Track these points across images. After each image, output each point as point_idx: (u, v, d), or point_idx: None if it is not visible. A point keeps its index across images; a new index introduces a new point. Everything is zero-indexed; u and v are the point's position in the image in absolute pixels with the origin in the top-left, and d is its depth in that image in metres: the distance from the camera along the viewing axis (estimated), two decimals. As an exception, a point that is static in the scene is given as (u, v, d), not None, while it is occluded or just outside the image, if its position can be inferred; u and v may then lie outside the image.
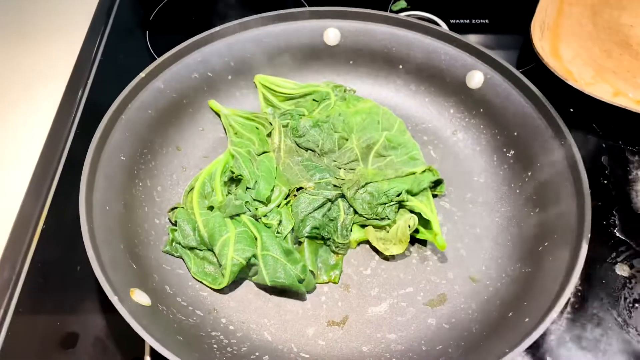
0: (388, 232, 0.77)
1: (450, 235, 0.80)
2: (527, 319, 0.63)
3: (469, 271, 0.76)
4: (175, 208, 0.79)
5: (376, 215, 0.78)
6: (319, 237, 0.78)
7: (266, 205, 0.78)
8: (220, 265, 0.73)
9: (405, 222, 0.76)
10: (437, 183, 0.83)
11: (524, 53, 1.10)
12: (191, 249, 0.76)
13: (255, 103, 0.95)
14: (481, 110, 0.89)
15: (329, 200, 0.78)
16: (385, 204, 0.78)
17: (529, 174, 0.81)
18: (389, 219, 0.77)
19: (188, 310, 0.71)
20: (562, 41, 1.04)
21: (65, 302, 0.76)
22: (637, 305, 0.75)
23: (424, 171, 0.82)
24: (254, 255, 0.73)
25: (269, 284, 0.71)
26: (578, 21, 1.08)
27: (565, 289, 0.62)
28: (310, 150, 0.86)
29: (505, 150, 0.85)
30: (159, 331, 0.61)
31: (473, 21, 1.15)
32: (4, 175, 0.90)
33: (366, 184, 0.79)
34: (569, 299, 0.75)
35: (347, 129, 0.87)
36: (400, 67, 0.95)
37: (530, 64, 1.04)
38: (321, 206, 0.78)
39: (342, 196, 0.80)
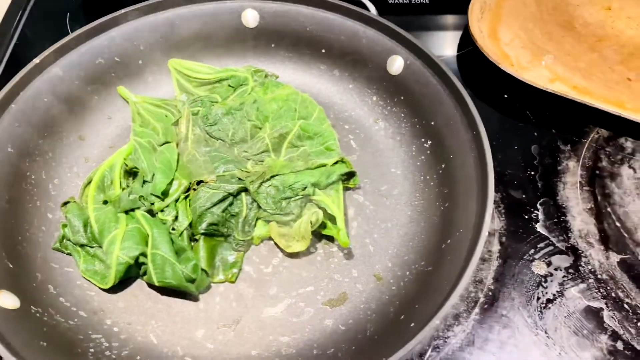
0: (291, 227, 0.73)
1: (360, 229, 0.76)
2: (412, 324, 0.59)
3: (374, 268, 0.73)
4: (68, 202, 0.75)
5: (280, 210, 0.73)
6: (217, 234, 0.74)
7: (162, 200, 0.74)
8: (107, 264, 0.69)
9: (308, 217, 0.72)
10: (350, 175, 0.79)
11: (465, 35, 1.04)
12: (82, 246, 0.72)
13: (169, 89, 0.90)
14: (402, 97, 0.84)
15: (231, 194, 0.74)
16: (290, 198, 0.74)
17: (443, 166, 0.76)
18: (293, 214, 0.73)
19: (70, 312, 0.67)
20: (503, 23, 0.99)
21: None
22: (549, 305, 0.71)
23: (335, 162, 0.77)
24: (143, 254, 0.69)
25: (156, 284, 0.68)
26: (522, 1, 1.03)
27: (452, 293, 0.58)
28: (221, 140, 0.82)
29: (423, 140, 0.81)
30: (18, 337, 0.57)
31: (413, 1, 1.10)
32: None
33: (272, 176, 0.75)
34: (479, 299, 0.72)
35: (261, 117, 0.83)
36: (323, 51, 0.90)
37: (470, 46, 0.99)
38: (222, 200, 0.74)
39: (246, 190, 0.75)
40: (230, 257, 0.74)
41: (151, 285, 0.71)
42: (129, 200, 0.72)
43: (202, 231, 0.72)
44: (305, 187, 0.74)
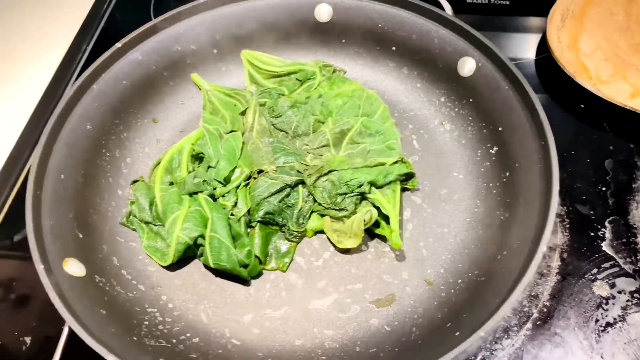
0: (344, 224, 0.73)
1: (414, 232, 0.75)
2: (457, 332, 0.58)
3: (426, 273, 0.72)
4: (137, 181, 0.79)
5: (335, 205, 0.74)
6: (273, 223, 0.75)
7: (224, 186, 0.77)
8: (168, 242, 0.73)
9: (361, 215, 0.72)
10: (409, 176, 0.78)
11: (544, 39, 1.00)
12: (146, 223, 0.76)
13: (240, 79, 0.92)
14: (470, 100, 0.82)
15: (288, 185, 0.76)
16: (345, 194, 0.74)
17: (507, 174, 0.74)
18: (347, 210, 0.73)
19: (131, 284, 0.71)
20: (585, 32, 0.94)
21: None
22: (608, 329, 0.67)
23: (395, 162, 0.77)
24: (202, 236, 0.72)
25: (212, 265, 0.70)
26: (609, 9, 0.97)
27: (501, 306, 0.56)
28: (284, 132, 0.83)
29: (489, 145, 0.78)
30: (81, 303, 0.61)
31: (492, 1, 1.06)
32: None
33: (330, 171, 0.75)
34: (532, 314, 0.69)
35: (325, 112, 0.84)
36: (394, 48, 0.89)
37: (547, 53, 0.94)
38: (279, 191, 0.75)
39: (303, 182, 0.76)
40: (283, 246, 0.75)
41: (206, 267, 0.73)
42: (194, 183, 0.75)
43: (259, 219, 0.74)
44: (361, 185, 0.73)
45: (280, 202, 0.75)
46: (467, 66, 0.81)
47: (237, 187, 0.77)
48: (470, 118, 0.82)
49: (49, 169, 0.71)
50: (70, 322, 0.58)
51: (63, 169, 0.73)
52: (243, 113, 0.85)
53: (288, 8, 0.90)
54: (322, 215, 0.76)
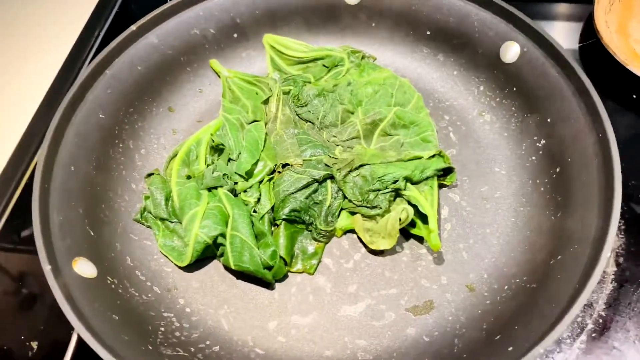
0: (377, 223, 0.67)
1: (453, 233, 0.69)
2: (510, 348, 0.52)
3: (467, 278, 0.65)
4: (152, 174, 0.73)
5: (366, 202, 0.68)
6: (299, 221, 0.69)
7: (246, 180, 0.71)
8: (185, 241, 0.67)
9: (396, 214, 0.65)
10: (448, 171, 0.71)
11: (588, 25, 0.93)
12: (162, 220, 0.70)
13: (262, 66, 0.86)
14: (514, 89, 0.75)
15: (316, 180, 0.69)
16: (378, 190, 0.68)
17: (558, 170, 0.67)
18: (380, 208, 0.67)
19: (145, 286, 0.66)
20: (635, 16, 0.86)
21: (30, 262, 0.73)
22: (673, 343, 0.61)
23: (432, 156, 0.70)
24: (222, 235, 0.66)
25: (233, 267, 0.64)
26: None
27: (562, 319, 0.50)
28: (310, 122, 0.77)
29: (536, 138, 0.72)
30: (92, 307, 0.56)
31: None
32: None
33: (361, 165, 0.69)
34: (586, 325, 0.62)
35: (354, 101, 0.77)
36: (428, 32, 0.82)
37: (594, 39, 0.87)
38: (306, 187, 0.69)
39: (332, 177, 0.70)
40: (310, 247, 0.69)
41: (227, 268, 0.68)
42: (213, 177, 0.70)
43: (284, 217, 0.68)
44: (396, 181, 0.67)
45: (307, 198, 0.69)
46: (511, 51, 0.74)
47: (260, 182, 0.71)
48: (513, 108, 0.75)
49: (58, 160, 0.66)
50: (78, 329, 0.52)
51: (73, 161, 0.67)
52: (266, 102, 0.79)
53: (314, -11, 0.84)
54: (353, 214, 0.70)
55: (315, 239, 0.69)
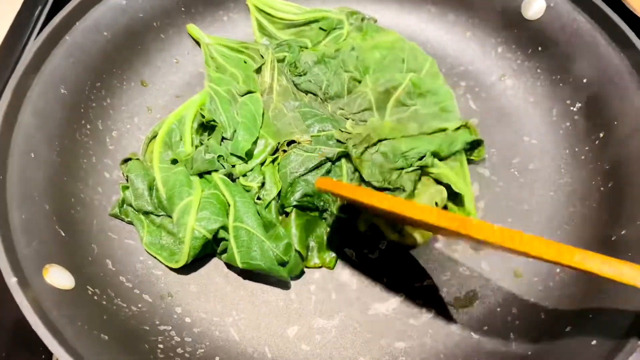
0: None
1: (488, 212, 0.61)
2: (594, 342, 0.44)
3: (512, 262, 0.57)
4: (129, 159, 0.61)
5: (388, 183, 0.58)
6: (312, 207, 0.59)
7: (246, 162, 0.60)
8: (179, 238, 0.55)
9: (430, 197, 0.56)
10: (475, 145, 0.63)
11: None
12: (146, 213, 0.58)
13: (247, 31, 0.75)
14: (539, 48, 0.67)
15: (329, 159, 0.59)
16: (402, 169, 0.58)
17: (601, 135, 0.60)
18: (404, 190, 0.58)
19: (133, 295, 0.54)
20: None
21: None
22: None
23: (457, 128, 0.62)
24: (224, 227, 0.55)
25: (240, 266, 0.54)
26: None
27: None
28: (312, 93, 0.67)
29: (569, 102, 0.64)
30: (73, 327, 0.44)
31: None
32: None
33: (379, 141, 0.59)
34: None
35: (361, 67, 0.68)
36: (436, -11, 0.73)
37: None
38: (318, 167, 0.59)
39: (347, 155, 0.60)
40: (326, 237, 0.59)
41: (230, 267, 0.57)
42: (205, 160, 0.58)
43: (295, 203, 0.57)
44: (422, 157, 0.58)
45: None
46: (535, 6, 0.67)
47: (262, 164, 0.61)
48: (539, 70, 0.68)
49: (13, 146, 0.53)
50: (59, 355, 0.40)
51: (32, 146, 0.55)
52: (258, 71, 0.68)
53: (305, -58, 0.73)
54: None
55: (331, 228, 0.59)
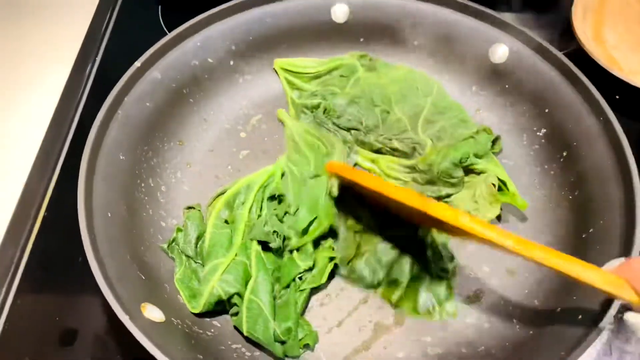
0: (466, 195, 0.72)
1: (483, 220, 0.74)
2: (580, 316, 0.57)
3: (506, 263, 0.70)
4: (192, 208, 0.72)
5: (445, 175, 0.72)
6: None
7: (301, 237, 0.67)
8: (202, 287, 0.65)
9: (485, 180, 0.72)
10: (494, 141, 0.78)
11: (565, 34, 0.96)
12: (187, 256, 0.68)
13: (260, 89, 0.87)
14: (506, 86, 0.82)
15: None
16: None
17: (564, 154, 0.74)
18: (456, 178, 0.72)
19: (205, 322, 0.65)
20: (607, 24, 0.95)
21: (65, 296, 0.70)
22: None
23: (478, 132, 0.76)
24: (238, 294, 0.63)
25: (245, 333, 0.62)
26: (626, 1, 0.99)
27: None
28: (354, 129, 0.79)
29: (535, 129, 0.79)
30: (177, 350, 0.55)
31: None
32: (7, 159, 0.83)
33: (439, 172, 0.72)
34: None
35: (385, 100, 0.80)
36: (415, 43, 0.87)
37: (572, 47, 0.92)
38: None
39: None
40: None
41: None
42: (264, 231, 0.66)
43: None
44: (468, 157, 0.72)
45: None
46: (499, 52, 0.81)
47: (315, 245, 0.68)
48: (508, 104, 0.82)
49: (94, 208, 0.63)
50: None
51: (108, 207, 0.65)
52: (327, 156, 0.76)
53: (304, 11, 0.86)
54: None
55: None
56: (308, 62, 0.85)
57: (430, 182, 0.73)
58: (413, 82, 0.81)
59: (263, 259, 0.66)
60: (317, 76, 0.85)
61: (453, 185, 0.72)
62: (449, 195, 0.73)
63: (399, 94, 0.80)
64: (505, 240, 0.52)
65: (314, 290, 0.67)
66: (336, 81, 0.84)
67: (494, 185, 0.70)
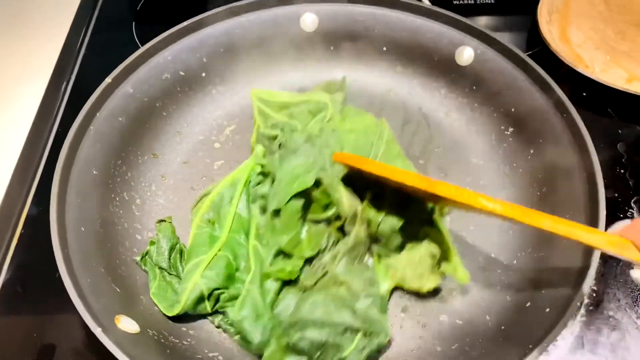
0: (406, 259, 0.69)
1: (455, 224, 0.75)
2: (547, 309, 0.59)
3: (478, 261, 0.72)
4: (164, 221, 0.73)
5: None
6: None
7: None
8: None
9: (425, 249, 0.68)
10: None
11: (532, 35, 1.01)
12: (160, 268, 0.69)
13: (233, 99, 0.89)
14: (474, 87, 0.84)
15: None
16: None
17: (531, 151, 0.76)
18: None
19: (180, 332, 0.65)
20: (572, 24, 0.98)
21: (42, 312, 0.70)
22: (658, 307, 0.70)
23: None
24: (218, 288, 0.65)
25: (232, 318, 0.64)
26: (590, 1, 1.02)
27: (586, 273, 0.57)
28: None
29: (503, 128, 0.81)
30: (154, 362, 0.55)
31: (478, 1, 1.09)
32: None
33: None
34: (583, 300, 0.69)
35: (339, 146, 0.76)
36: (384, 49, 0.89)
37: (539, 47, 0.96)
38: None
39: None
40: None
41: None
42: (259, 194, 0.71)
43: None
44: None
45: None
46: (465, 55, 0.83)
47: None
48: (476, 105, 0.84)
49: (67, 223, 0.64)
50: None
51: (81, 222, 0.66)
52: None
53: (272, 22, 0.88)
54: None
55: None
56: (284, 94, 0.85)
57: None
58: (372, 136, 0.77)
59: (260, 254, 0.68)
60: (285, 106, 0.83)
61: (391, 250, 0.70)
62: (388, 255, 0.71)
63: (354, 144, 0.76)
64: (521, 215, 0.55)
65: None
66: (302, 116, 0.80)
67: (434, 256, 0.68)
